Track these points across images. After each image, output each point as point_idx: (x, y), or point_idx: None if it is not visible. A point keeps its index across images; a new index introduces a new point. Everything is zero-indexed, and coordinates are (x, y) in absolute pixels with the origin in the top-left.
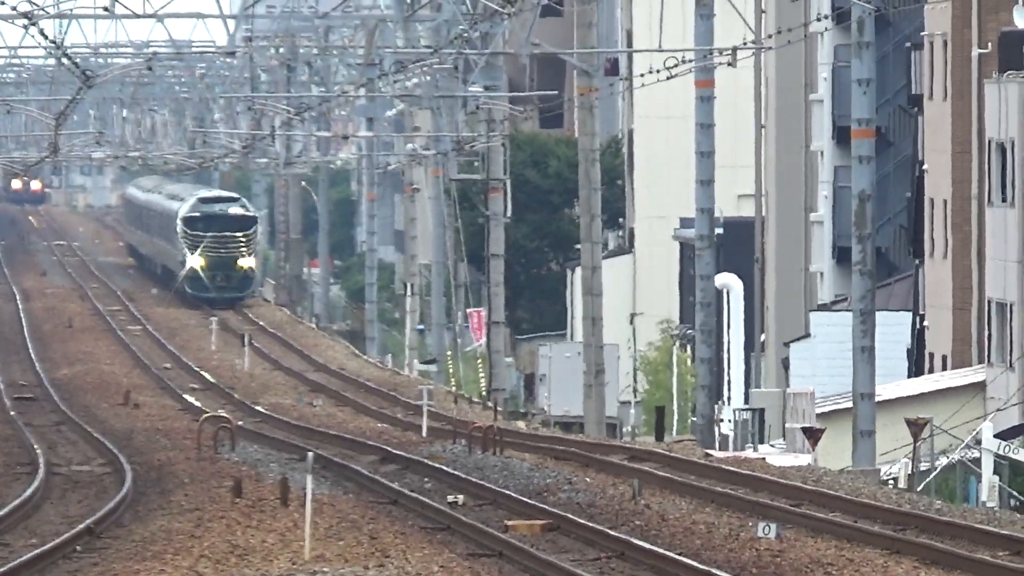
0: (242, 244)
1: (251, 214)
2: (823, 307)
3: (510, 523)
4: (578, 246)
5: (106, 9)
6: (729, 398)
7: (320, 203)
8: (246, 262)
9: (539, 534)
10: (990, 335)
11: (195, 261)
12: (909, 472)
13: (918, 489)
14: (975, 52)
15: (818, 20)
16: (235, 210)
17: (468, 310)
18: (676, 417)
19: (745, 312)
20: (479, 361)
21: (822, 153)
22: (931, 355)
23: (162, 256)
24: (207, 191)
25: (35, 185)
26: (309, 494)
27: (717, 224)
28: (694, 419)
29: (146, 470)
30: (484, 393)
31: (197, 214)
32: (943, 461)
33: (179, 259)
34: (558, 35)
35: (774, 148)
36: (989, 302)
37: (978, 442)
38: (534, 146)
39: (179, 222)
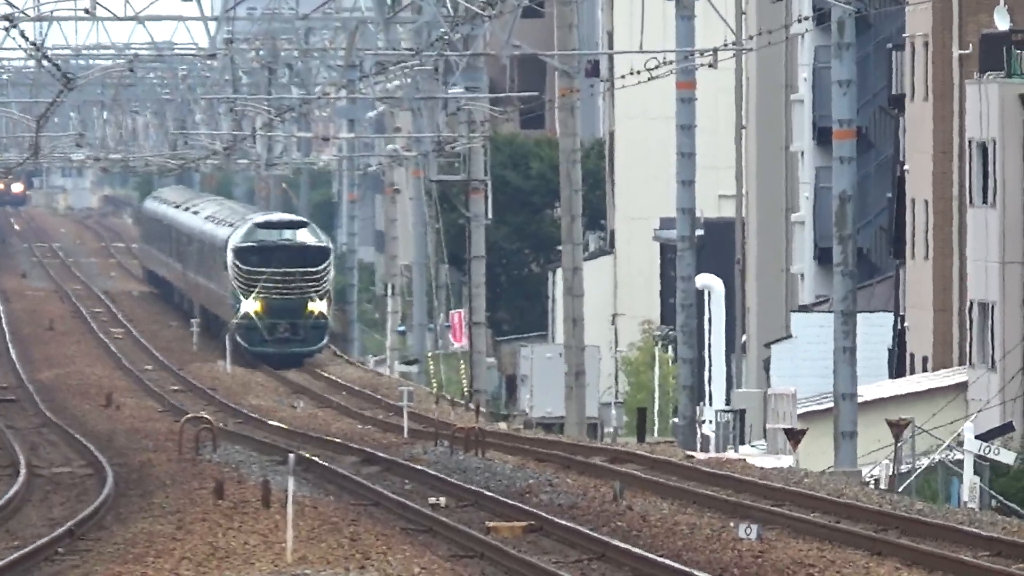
0: (312, 283)
1: (323, 244)
2: (804, 308)
3: (492, 525)
4: (559, 247)
5: (87, 11)
6: (710, 399)
7: (301, 204)
8: (317, 306)
9: (521, 535)
10: (971, 336)
11: (250, 305)
12: (891, 473)
13: (899, 490)
14: (956, 53)
15: (799, 21)
16: (303, 238)
17: (450, 311)
18: (658, 418)
19: (726, 313)
20: (460, 362)
21: (803, 154)
22: (912, 356)
23: (200, 294)
24: (263, 214)
25: (16, 187)
26: (291, 496)
27: (698, 225)
28: (675, 420)
29: (128, 472)
30: (466, 394)
31: (253, 244)
32: (924, 462)
33: (228, 301)
34: (539, 36)
35: (755, 149)
36: (970, 303)
37: (959, 443)
38: (515, 147)
39: (229, 253)
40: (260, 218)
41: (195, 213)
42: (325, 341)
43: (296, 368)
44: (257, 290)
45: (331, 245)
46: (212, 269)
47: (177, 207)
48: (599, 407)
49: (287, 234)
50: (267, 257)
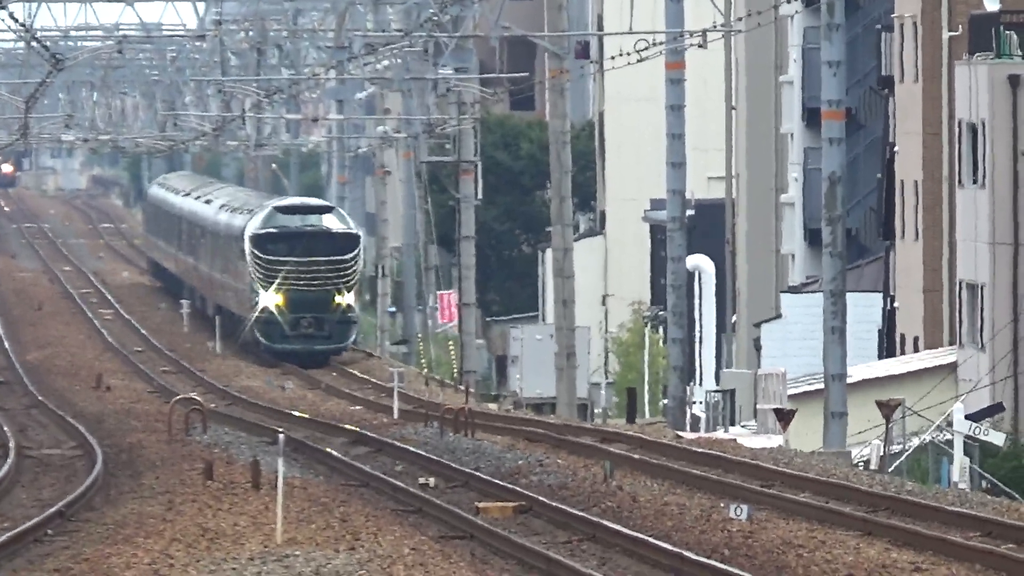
0: (339, 274)
1: (351, 230)
2: (794, 289)
3: (482, 505)
4: (549, 228)
5: None
6: (701, 379)
7: (291, 186)
8: (345, 299)
9: (511, 516)
10: (961, 316)
11: (271, 298)
12: (880, 454)
13: (889, 470)
14: (945, 34)
15: (788, 2)
16: (329, 223)
17: (437, 292)
18: (648, 399)
19: (716, 293)
20: (451, 343)
21: (792, 135)
22: (902, 336)
23: (214, 288)
24: (281, 198)
25: (5, 168)
26: (281, 477)
27: (688, 206)
28: (666, 401)
29: (117, 453)
30: (456, 375)
31: (273, 230)
32: (914, 442)
33: (246, 295)
34: (528, 18)
35: (744, 130)
36: (960, 283)
37: (949, 423)
38: (505, 129)
39: (247, 242)
40: (281, 202)
41: (208, 202)
42: (353, 338)
43: (322, 368)
44: (278, 281)
45: (360, 232)
46: (227, 260)
47: (186, 195)
48: (589, 388)
49: (311, 219)
50: (289, 245)
